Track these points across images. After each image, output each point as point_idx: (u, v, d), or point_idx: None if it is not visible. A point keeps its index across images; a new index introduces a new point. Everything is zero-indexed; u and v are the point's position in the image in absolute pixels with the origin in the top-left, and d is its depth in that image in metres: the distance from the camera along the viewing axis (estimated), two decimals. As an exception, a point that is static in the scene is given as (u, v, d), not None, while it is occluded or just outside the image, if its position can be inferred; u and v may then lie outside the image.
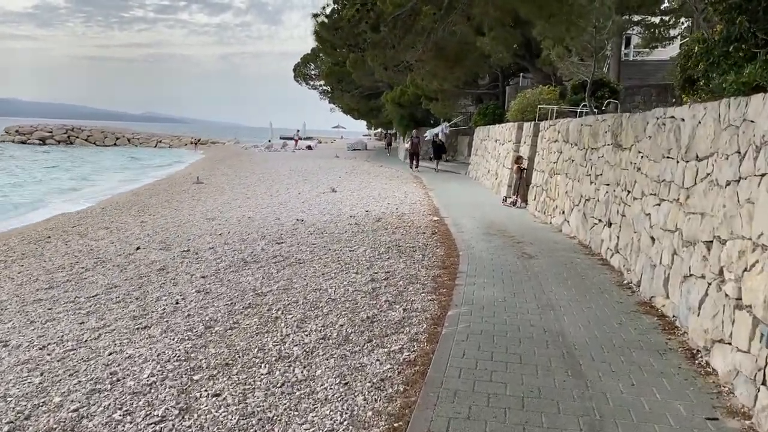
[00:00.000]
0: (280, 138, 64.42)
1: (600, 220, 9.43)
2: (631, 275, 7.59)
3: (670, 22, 20.65)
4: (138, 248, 10.53)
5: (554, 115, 16.19)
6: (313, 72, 45.85)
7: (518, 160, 15.47)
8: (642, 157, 7.64)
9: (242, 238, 11.05)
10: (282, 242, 10.50)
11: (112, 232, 12.71)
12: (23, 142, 67.72)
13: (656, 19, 20.93)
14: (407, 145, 29.65)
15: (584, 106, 16.97)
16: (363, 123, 76.79)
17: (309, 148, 55.99)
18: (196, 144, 66.55)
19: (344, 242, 10.41)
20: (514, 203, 15.24)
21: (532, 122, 15.70)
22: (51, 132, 71.85)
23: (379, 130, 59.45)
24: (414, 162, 28.50)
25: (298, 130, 64.36)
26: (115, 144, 72.19)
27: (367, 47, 11.84)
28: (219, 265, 8.87)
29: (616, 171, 8.81)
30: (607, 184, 9.22)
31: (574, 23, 11.77)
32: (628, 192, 8.13)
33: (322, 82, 45.56)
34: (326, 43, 11.91)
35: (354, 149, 52.84)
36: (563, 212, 11.67)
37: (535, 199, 14.06)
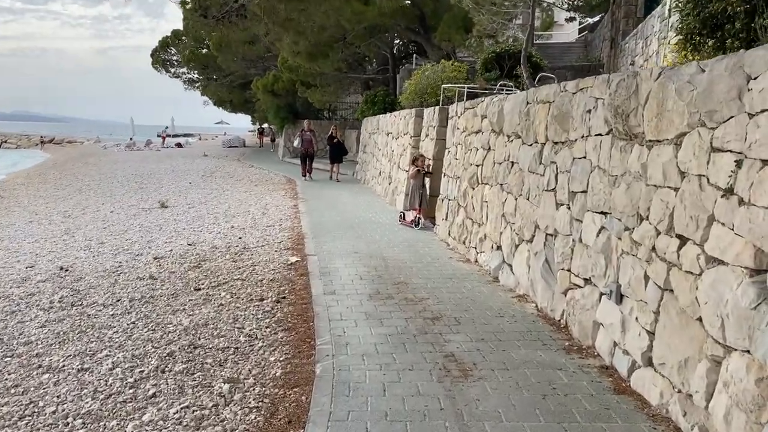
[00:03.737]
0: (167, 135, 56.70)
1: (589, 282, 4.87)
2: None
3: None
4: None
5: (465, 98, 11.73)
6: (174, 58, 39.25)
7: (417, 160, 10.79)
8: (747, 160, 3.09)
9: None
10: (-40, 343, 5.14)
11: None
12: None
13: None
14: (296, 143, 20.51)
15: (503, 85, 12.68)
16: (249, 118, 70.15)
17: (179, 145, 49.35)
18: (43, 144, 57.46)
19: (94, 333, 5.22)
20: (416, 223, 10.57)
21: (436, 107, 11.12)
22: None
23: (266, 125, 53.15)
24: (307, 167, 19.60)
25: (166, 127, 57.33)
26: (-53, 145, 61.39)
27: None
28: None
29: (632, 189, 4.26)
30: (605, 213, 4.68)
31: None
32: (683, 240, 3.59)
33: (185, 69, 39.09)
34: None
35: (230, 146, 46.79)
36: (498, 247, 7.10)
37: (446, 219, 9.45)
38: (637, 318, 4.10)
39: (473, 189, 8.16)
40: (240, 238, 9.72)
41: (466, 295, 6.32)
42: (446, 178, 9.70)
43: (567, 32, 32.38)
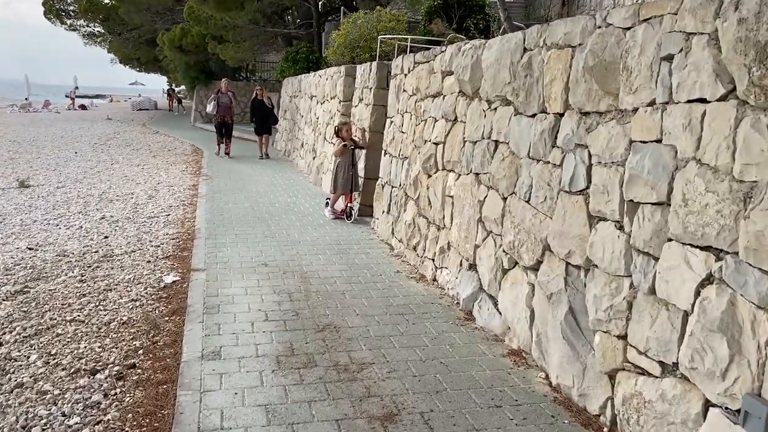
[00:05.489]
0: (76, 96, 50.92)
1: (673, 372, 2.66)
2: None
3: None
4: None
5: (408, 51, 9.32)
6: (71, 8, 34.53)
7: (342, 130, 8.30)
8: None
9: None
10: None
11: None
12: None
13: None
14: (209, 108, 15.03)
15: (454, 37, 10.35)
16: (165, 78, 64.71)
17: (83, 107, 44.66)
18: None
19: None
20: (348, 214, 8.19)
21: (373, 63, 8.66)
22: None
23: (182, 87, 48.35)
24: (224, 140, 15.00)
25: (76, 87, 52.02)
26: None
27: None
28: None
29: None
30: (718, 251, 2.45)
31: None
32: None
33: (82, 21, 34.47)
34: None
35: (139, 109, 42.66)
36: (472, 266, 4.83)
37: (389, 212, 7.10)
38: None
39: (429, 176, 5.83)
40: (106, 237, 7.05)
41: (432, 352, 4.03)
42: (388, 156, 7.32)
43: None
